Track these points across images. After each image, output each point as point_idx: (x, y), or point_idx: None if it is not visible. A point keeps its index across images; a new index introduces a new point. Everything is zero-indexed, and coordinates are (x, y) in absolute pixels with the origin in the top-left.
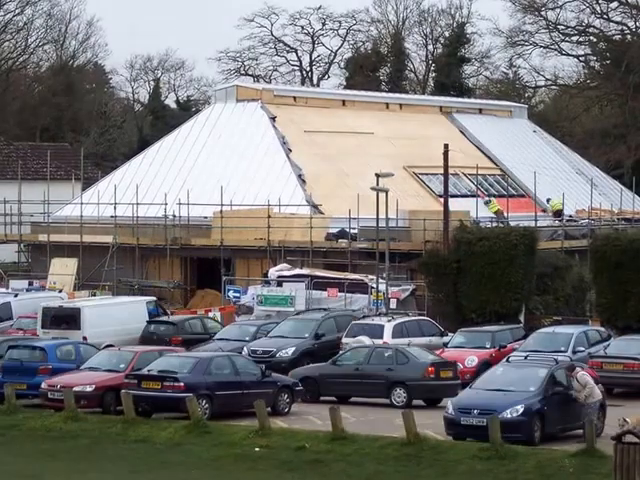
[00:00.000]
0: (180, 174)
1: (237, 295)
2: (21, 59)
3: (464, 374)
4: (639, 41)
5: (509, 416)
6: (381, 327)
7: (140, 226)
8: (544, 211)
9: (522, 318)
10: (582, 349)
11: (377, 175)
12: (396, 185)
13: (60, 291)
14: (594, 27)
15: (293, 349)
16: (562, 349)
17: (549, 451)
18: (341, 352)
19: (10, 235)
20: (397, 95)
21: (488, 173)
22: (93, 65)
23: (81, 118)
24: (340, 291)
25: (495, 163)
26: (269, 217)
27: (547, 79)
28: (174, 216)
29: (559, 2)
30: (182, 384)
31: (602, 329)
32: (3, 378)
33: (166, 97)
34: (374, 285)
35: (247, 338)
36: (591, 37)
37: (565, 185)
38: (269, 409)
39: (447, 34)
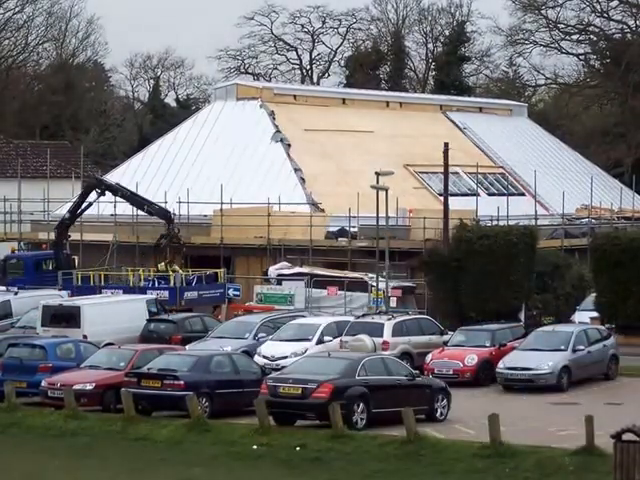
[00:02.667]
0: (180, 172)
1: (237, 293)
2: (21, 57)
3: (464, 372)
4: (639, 40)
5: None
6: (381, 325)
7: (140, 224)
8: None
9: (522, 316)
10: (582, 347)
11: (377, 173)
12: (396, 183)
13: (60, 289)
14: (594, 26)
15: None
16: (562, 347)
17: (549, 449)
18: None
19: (10, 233)
20: (397, 94)
21: (488, 172)
22: (93, 63)
23: (81, 116)
24: (340, 289)
25: (495, 162)
26: (269, 215)
27: (547, 78)
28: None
29: (559, 1)
30: (182, 382)
31: (602, 327)
32: (3, 376)
33: (166, 95)
34: (374, 283)
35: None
36: (591, 36)
37: (565, 184)
38: None
39: (447, 32)
